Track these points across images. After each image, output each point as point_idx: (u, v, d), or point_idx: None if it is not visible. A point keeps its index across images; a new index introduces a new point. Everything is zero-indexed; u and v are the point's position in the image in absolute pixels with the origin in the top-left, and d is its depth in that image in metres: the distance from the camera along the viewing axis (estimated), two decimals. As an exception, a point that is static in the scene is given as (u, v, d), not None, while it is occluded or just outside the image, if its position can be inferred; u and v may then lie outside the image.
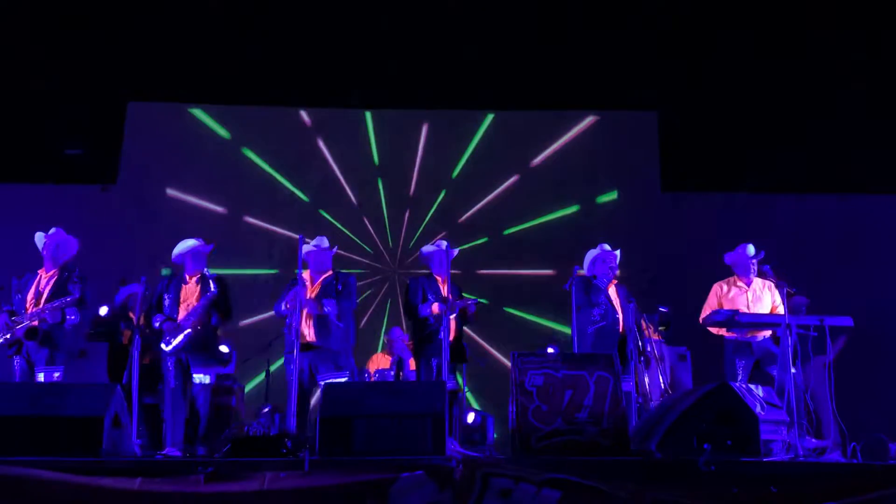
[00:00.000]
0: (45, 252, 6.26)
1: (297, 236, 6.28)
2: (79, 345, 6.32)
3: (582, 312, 6.47)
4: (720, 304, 6.52)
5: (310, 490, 3.97)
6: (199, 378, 6.10)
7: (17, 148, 9.84)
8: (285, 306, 6.23)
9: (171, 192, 10.41)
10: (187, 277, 6.33)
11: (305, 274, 6.42)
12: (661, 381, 6.70)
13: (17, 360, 6.03)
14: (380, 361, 8.60)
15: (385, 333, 9.29)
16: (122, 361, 6.56)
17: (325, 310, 6.24)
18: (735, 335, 6.41)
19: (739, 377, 6.24)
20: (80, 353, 6.30)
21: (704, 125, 9.93)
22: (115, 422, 4.52)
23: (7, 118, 9.64)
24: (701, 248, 9.09)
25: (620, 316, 6.47)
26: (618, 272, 6.71)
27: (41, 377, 5.89)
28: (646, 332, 6.38)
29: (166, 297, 6.24)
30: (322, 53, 9.88)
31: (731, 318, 5.91)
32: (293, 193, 10.52)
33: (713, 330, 6.49)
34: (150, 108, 10.56)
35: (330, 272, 6.53)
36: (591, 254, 6.72)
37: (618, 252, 6.73)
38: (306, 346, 6.21)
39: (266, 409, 7.83)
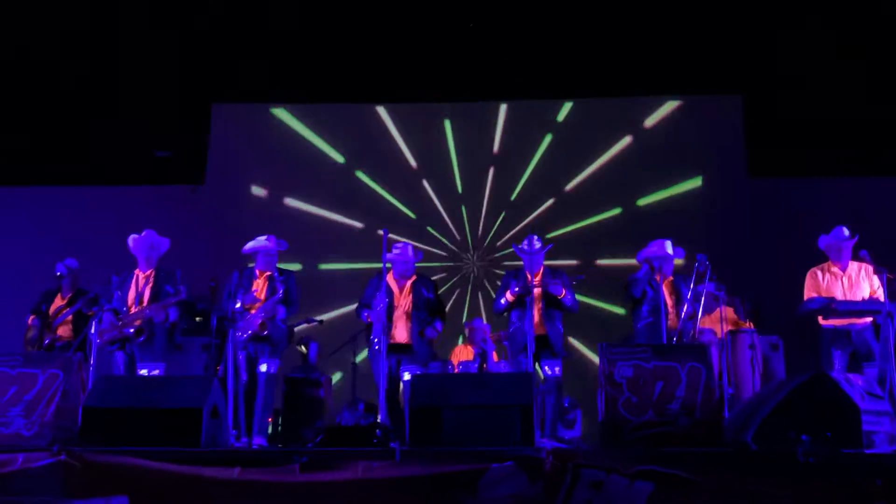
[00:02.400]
0: (139, 253, 6.48)
1: (381, 231, 6.35)
2: (176, 340, 6.53)
3: (635, 308, 6.45)
4: (819, 293, 6.28)
5: (402, 480, 4.03)
6: (263, 367, 6.21)
7: (110, 151, 10.28)
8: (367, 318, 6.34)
9: (256, 190, 10.70)
10: (257, 272, 6.47)
11: (388, 277, 6.56)
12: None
13: (118, 354, 6.28)
14: (462, 354, 8.62)
15: (466, 324, 9.31)
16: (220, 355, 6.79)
17: (437, 328, 6.49)
18: (832, 323, 6.18)
19: (836, 367, 6.03)
20: (177, 347, 6.50)
21: (792, 108, 9.61)
22: (213, 413, 4.67)
23: (98, 122, 10.08)
24: (791, 234, 8.82)
25: (671, 311, 6.35)
26: (675, 264, 6.57)
27: (143, 373, 6.12)
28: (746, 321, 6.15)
29: (240, 290, 6.35)
30: (398, 48, 9.96)
31: (828, 306, 5.69)
32: (373, 189, 10.66)
33: (826, 322, 6.24)
34: (233, 109, 10.88)
35: (414, 276, 6.62)
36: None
37: (668, 243, 6.56)
38: (395, 347, 6.31)
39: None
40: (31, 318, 6.75)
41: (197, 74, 10.19)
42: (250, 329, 6.17)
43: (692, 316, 6.18)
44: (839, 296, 6.16)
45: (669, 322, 6.26)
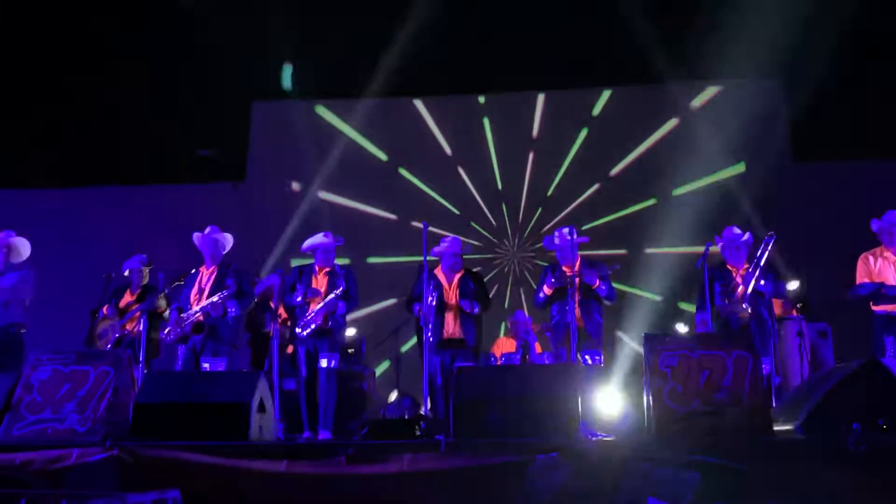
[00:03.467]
0: (205, 250, 6.58)
1: (422, 224, 6.37)
2: (239, 336, 6.60)
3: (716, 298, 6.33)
4: (871, 279, 6.14)
5: (448, 472, 4.04)
6: (324, 362, 6.28)
7: (153, 150, 10.45)
8: (420, 312, 6.30)
9: (296, 186, 10.80)
10: (317, 269, 6.55)
11: (437, 270, 6.58)
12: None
13: (181, 350, 6.37)
14: (504, 345, 8.62)
15: (508, 317, 9.31)
16: (264, 350, 6.87)
17: (475, 310, 6.45)
18: (885, 309, 6.03)
19: (888, 353, 5.89)
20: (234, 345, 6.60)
21: (835, 91, 9.40)
22: (260, 407, 4.73)
23: (141, 124, 10.25)
24: (838, 218, 8.64)
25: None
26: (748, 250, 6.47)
27: (206, 366, 6.20)
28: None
29: (299, 286, 6.45)
30: (434, 41, 9.95)
31: (878, 291, 5.56)
32: (413, 183, 10.69)
33: (879, 308, 6.09)
34: (274, 106, 10.98)
35: (462, 271, 6.62)
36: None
37: (736, 229, 6.47)
38: (448, 341, 6.34)
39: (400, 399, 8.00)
40: (100, 311, 6.88)
41: (238, 73, 10.30)
42: (314, 324, 6.26)
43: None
44: (891, 280, 6.01)
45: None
